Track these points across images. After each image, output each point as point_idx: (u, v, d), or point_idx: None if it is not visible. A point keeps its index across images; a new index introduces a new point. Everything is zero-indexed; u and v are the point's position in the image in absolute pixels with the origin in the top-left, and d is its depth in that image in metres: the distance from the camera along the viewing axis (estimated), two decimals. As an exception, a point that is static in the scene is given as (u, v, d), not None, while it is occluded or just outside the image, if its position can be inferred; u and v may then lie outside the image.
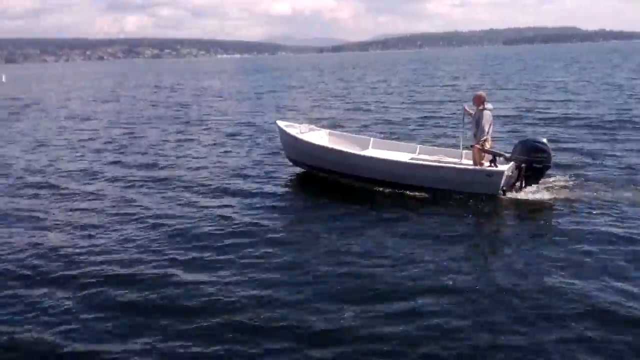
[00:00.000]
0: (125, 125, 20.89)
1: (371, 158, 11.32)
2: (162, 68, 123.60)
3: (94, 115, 24.87)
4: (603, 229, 7.76)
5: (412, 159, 10.98)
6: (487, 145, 9.99)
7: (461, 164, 10.21)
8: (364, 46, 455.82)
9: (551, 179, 10.15)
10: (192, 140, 16.84)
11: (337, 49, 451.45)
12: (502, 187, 9.62)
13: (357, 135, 13.66)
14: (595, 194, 9.35)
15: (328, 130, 13.83)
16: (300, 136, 12.49)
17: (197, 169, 12.75)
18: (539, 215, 8.89)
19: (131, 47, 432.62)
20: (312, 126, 14.03)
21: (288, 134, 12.55)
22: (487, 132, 9.93)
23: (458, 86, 34.50)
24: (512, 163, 9.83)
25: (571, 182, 10.14)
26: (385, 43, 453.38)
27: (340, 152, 11.70)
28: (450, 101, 25.10)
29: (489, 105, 10.08)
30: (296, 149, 12.27)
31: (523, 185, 9.82)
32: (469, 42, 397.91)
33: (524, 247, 7.33)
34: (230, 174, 12.15)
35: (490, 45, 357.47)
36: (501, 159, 9.80)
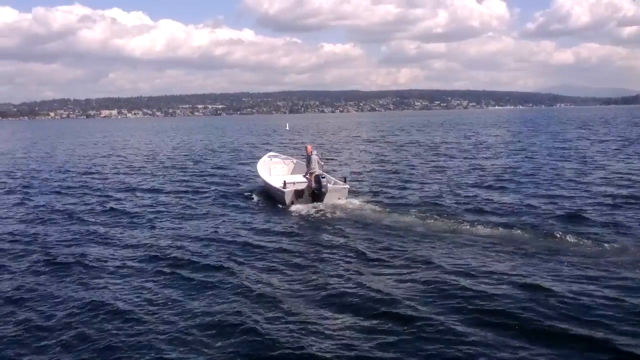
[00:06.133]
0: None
1: (265, 182, 19.72)
2: (413, 119, 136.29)
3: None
4: (332, 233, 13.99)
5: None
6: (313, 176, 17.57)
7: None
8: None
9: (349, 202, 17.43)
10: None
11: (628, 100, 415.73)
12: (290, 200, 17.31)
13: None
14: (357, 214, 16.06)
15: (297, 160, 22.54)
16: (257, 165, 22.20)
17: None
18: (296, 220, 15.94)
19: (402, 98, 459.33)
20: (284, 156, 23.49)
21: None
22: (312, 168, 17.86)
23: None
24: (293, 187, 17.57)
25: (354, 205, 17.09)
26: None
27: (261, 178, 20.46)
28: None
29: (314, 152, 18.39)
30: None
31: (319, 200, 17.14)
32: None
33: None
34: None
35: None
36: (322, 182, 17.16)
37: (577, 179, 22.00)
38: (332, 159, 32.74)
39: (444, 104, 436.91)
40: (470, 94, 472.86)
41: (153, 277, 10.93)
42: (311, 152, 18.50)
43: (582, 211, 15.75)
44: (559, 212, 15.64)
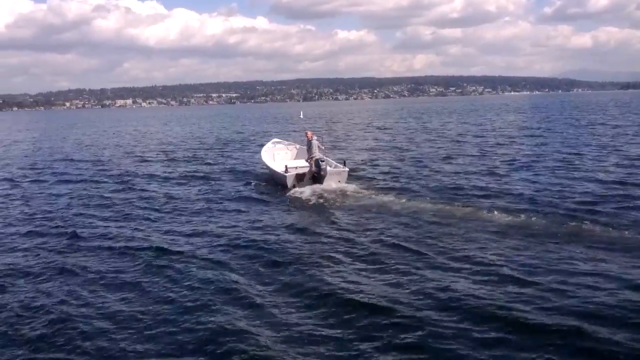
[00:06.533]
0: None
1: (269, 167, 20.40)
2: (425, 106, 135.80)
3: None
4: (327, 218, 14.27)
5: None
6: (313, 160, 18.22)
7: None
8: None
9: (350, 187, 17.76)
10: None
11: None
12: (292, 183, 17.96)
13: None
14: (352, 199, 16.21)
15: (299, 146, 22.79)
16: (262, 151, 22.70)
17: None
18: (296, 202, 16.56)
19: (417, 85, 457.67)
20: (287, 142, 24.15)
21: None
22: (312, 153, 18.56)
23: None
24: (294, 171, 18.21)
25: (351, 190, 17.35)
26: None
27: (264, 162, 21.17)
28: None
29: (314, 137, 19.07)
30: None
31: (319, 182, 17.74)
32: None
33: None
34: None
35: None
36: (321, 166, 17.89)
37: (591, 165, 21.47)
38: (341, 147, 32.66)
39: (460, 90, 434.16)
40: (486, 79, 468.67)
41: (140, 268, 10.69)
42: (311, 137, 19.20)
43: (597, 198, 15.30)
44: (573, 199, 15.19)
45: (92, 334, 7.87)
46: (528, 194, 16.29)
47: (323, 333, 7.58)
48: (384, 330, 7.58)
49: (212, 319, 8.08)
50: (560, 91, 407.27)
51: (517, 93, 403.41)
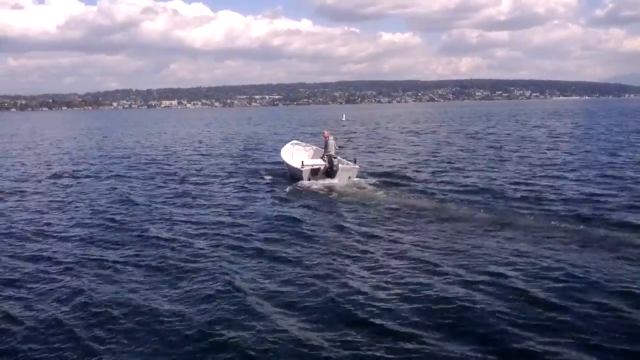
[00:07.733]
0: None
1: (287, 163, 22.38)
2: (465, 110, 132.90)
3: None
4: (332, 214, 15.36)
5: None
6: (327, 156, 20.77)
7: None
8: None
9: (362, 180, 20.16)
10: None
11: None
12: (307, 177, 20.16)
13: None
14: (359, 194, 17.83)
15: (316, 147, 25.00)
16: (281, 151, 24.92)
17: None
18: (311, 195, 18.22)
19: (462, 88, 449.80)
20: (304, 144, 26.80)
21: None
22: (328, 151, 21.00)
23: None
24: (309, 166, 20.36)
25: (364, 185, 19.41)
26: None
27: (284, 161, 23.00)
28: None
29: (331, 137, 21.41)
30: None
31: (331, 177, 20.00)
32: None
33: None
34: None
35: None
36: (333, 162, 20.68)
37: (617, 173, 21.45)
38: (373, 150, 33.76)
39: (506, 94, 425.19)
40: (534, 83, 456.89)
41: (148, 263, 11.47)
42: (328, 137, 21.66)
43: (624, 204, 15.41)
44: (603, 206, 15.27)
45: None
46: (563, 201, 16.24)
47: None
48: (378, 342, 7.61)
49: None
50: (610, 96, 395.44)
51: (565, 98, 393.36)
